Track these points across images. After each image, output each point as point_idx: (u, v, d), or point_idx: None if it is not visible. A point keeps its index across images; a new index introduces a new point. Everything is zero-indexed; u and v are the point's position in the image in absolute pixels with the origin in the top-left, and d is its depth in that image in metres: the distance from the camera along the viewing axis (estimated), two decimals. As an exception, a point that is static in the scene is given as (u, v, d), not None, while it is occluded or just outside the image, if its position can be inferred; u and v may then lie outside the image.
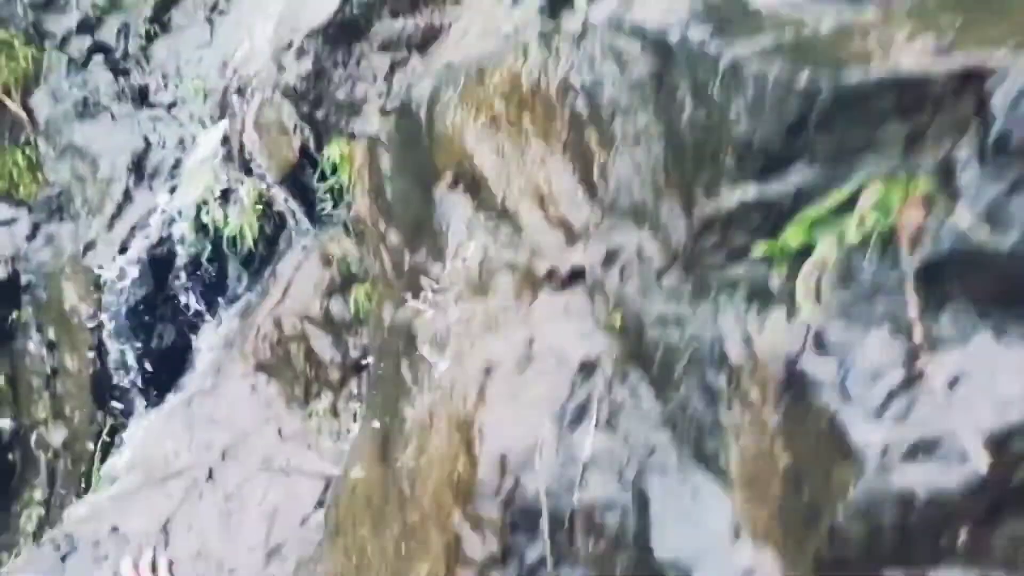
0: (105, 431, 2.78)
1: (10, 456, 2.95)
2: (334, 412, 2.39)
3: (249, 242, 2.80)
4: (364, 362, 2.33)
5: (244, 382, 2.65)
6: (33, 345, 2.99)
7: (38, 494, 2.86)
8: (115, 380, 2.80)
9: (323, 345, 2.45)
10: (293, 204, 2.76)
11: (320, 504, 2.25)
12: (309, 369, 2.49)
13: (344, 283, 2.43)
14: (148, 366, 2.80)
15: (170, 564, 2.14)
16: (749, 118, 0.93)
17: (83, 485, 2.79)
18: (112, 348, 2.78)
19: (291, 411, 2.50)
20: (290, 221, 2.87)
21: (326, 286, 2.49)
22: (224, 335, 2.86)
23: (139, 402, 2.83)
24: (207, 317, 2.89)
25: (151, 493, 2.40)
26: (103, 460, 2.75)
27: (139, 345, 2.79)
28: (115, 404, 2.82)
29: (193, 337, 2.90)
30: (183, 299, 2.88)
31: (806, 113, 0.89)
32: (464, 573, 1.02)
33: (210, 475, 2.36)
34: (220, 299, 2.90)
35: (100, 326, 2.79)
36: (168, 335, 2.84)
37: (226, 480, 2.34)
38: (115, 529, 2.28)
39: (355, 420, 2.31)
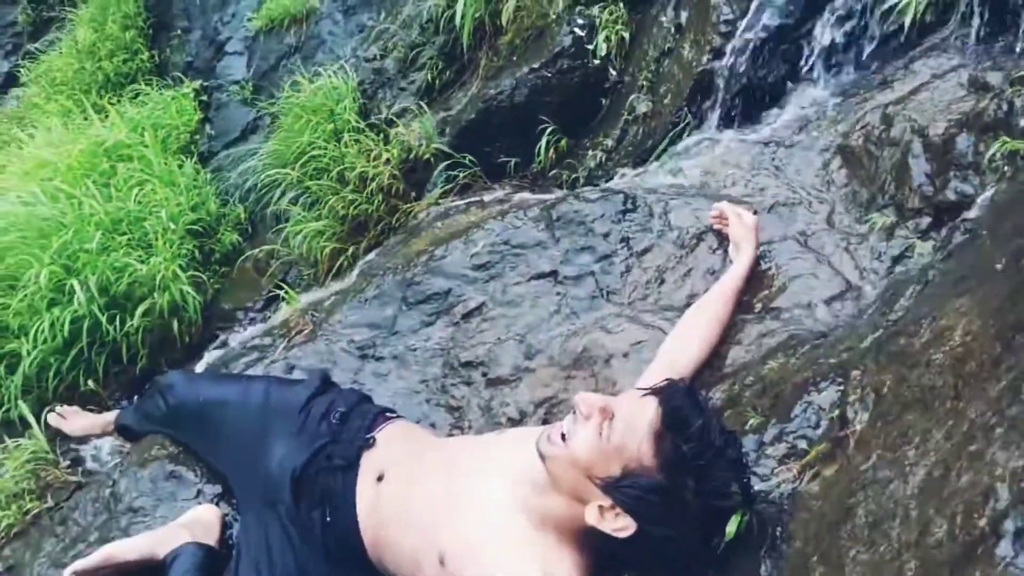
0: (680, 126, 3.09)
1: (603, 100, 3.45)
2: (890, 234, 2.36)
3: (907, 18, 2.65)
4: (956, 212, 2.20)
5: (818, 156, 2.69)
6: (665, 19, 3.28)
7: (608, 143, 3.36)
8: (715, 86, 3.01)
9: (922, 170, 2.34)
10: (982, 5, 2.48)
11: (832, 299, 2.34)
12: (889, 182, 2.43)
13: (987, 125, 2.22)
14: (749, 90, 2.95)
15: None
16: None
17: (642, 157, 3.20)
18: (728, 59, 2.95)
19: (848, 206, 2.52)
20: (956, 18, 2.61)
21: (965, 115, 2.30)
22: (822, 97, 2.86)
23: (719, 114, 3.05)
24: (819, 70, 2.88)
25: (695, 201, 2.69)
26: (668, 146, 3.10)
27: (748, 67, 2.91)
28: (701, 107, 3.07)
29: (794, 83, 2.94)
30: (808, 46, 2.88)
31: None
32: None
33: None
34: (842, 61, 2.84)
35: (732, 33, 2.94)
36: (780, 70, 2.91)
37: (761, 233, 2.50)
38: (664, 214, 2.65)
39: (909, 254, 2.27)
